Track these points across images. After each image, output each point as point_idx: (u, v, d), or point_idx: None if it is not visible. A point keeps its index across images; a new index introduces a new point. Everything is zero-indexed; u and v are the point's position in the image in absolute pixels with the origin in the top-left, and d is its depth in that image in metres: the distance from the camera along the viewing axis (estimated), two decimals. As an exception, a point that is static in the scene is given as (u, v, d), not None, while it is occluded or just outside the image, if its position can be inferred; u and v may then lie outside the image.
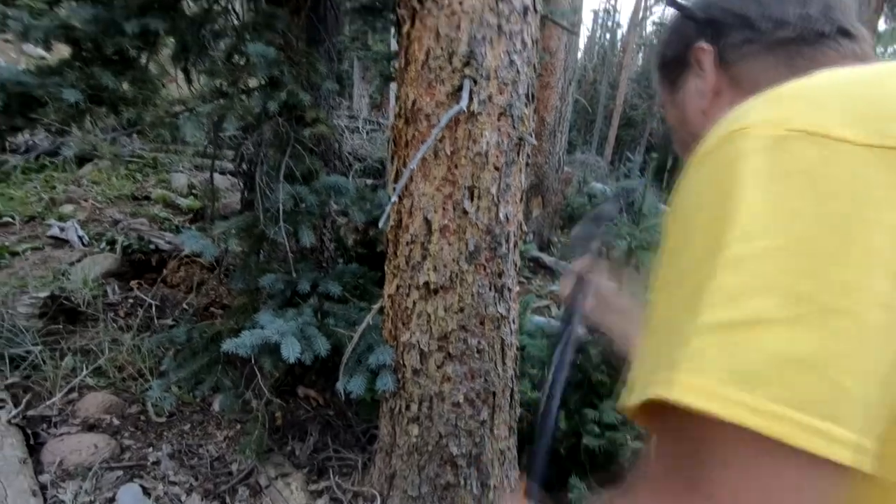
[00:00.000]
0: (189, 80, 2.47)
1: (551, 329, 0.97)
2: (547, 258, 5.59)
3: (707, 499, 0.31)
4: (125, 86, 2.05)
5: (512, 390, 1.70)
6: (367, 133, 8.16)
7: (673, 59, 0.66)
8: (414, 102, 1.43)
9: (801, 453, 0.28)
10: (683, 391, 0.30)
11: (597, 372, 2.07)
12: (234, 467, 2.08)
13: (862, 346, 0.29)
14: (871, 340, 0.29)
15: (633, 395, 0.35)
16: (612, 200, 1.15)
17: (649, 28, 21.16)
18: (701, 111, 0.61)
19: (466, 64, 1.35)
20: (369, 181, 6.17)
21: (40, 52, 1.98)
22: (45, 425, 2.09)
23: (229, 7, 2.42)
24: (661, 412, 0.33)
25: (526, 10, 1.39)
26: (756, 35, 0.56)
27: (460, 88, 1.35)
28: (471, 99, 1.35)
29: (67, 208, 3.99)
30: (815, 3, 0.55)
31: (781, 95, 0.37)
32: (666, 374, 0.32)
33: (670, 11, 0.68)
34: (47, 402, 2.18)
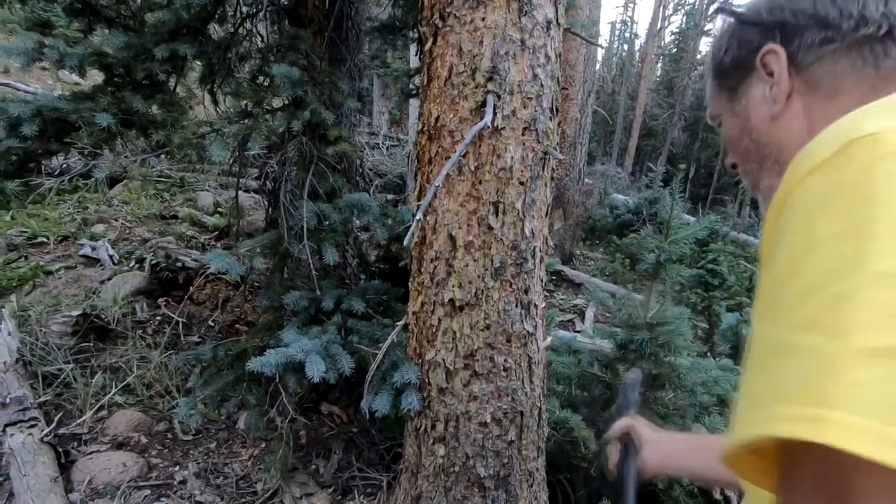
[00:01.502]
0: (215, 102, 2.53)
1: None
2: (570, 271, 5.52)
3: None
4: (154, 109, 2.10)
5: (540, 409, 1.66)
6: (387, 149, 8.24)
7: (733, 66, 0.62)
8: (437, 119, 1.42)
9: None
10: (838, 431, 0.25)
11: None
12: (259, 486, 2.07)
13: None
14: None
15: (746, 430, 0.30)
16: (635, 377, 1.17)
17: (668, 38, 21.04)
18: (770, 118, 0.57)
19: (490, 79, 1.34)
20: (390, 196, 6.22)
21: (75, 78, 2.05)
22: (75, 443, 2.12)
23: (254, 30, 2.48)
24: (769, 454, 0.29)
25: (549, 23, 1.38)
26: (835, 34, 0.53)
27: (484, 104, 1.34)
28: (494, 114, 1.34)
29: (99, 228, 4.10)
30: None
31: None
32: (810, 411, 0.27)
33: (724, 19, 0.64)
34: (78, 420, 2.22)
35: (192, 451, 2.21)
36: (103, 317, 2.81)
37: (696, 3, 19.63)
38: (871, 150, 0.31)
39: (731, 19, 0.62)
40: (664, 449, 0.94)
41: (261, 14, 2.46)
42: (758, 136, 0.59)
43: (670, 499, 1.84)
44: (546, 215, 1.54)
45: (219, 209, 5.05)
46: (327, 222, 2.02)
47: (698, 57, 18.76)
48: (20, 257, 3.49)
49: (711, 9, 18.44)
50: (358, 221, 2.38)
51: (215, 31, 2.49)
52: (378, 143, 8.28)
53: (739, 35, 0.61)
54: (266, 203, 3.01)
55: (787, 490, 0.31)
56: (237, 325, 3.04)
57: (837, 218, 0.31)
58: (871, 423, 0.25)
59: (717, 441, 0.94)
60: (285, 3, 2.46)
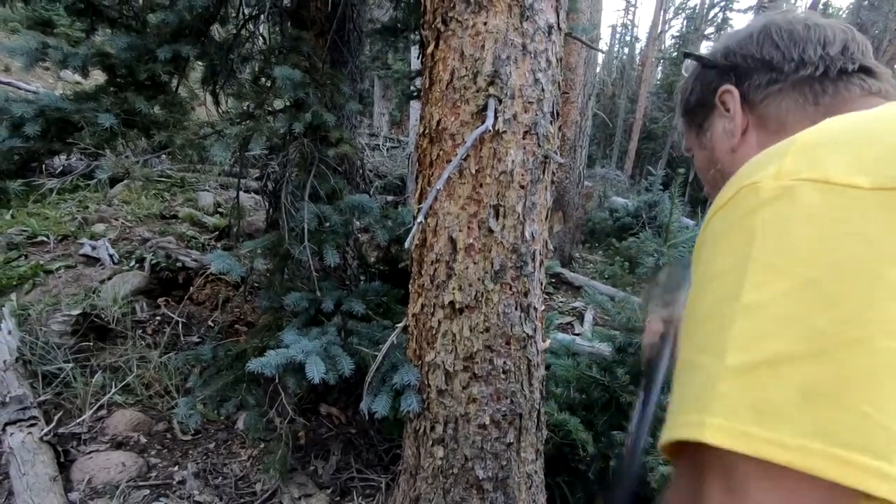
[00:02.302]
0: (217, 103, 2.54)
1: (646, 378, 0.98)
2: (569, 274, 5.53)
3: None
4: (157, 109, 2.11)
5: (539, 412, 1.66)
6: (388, 150, 8.26)
7: (697, 104, 0.70)
8: (439, 122, 1.43)
9: (830, 485, 0.29)
10: (713, 432, 0.33)
11: (625, 393, 2.01)
12: (258, 487, 2.07)
13: (880, 375, 0.30)
14: (889, 367, 0.30)
15: (666, 434, 0.38)
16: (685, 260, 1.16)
17: (668, 41, 21.08)
18: (730, 150, 0.64)
19: (491, 83, 1.35)
20: (390, 198, 6.23)
21: (76, 77, 2.06)
22: (75, 442, 2.13)
23: (256, 32, 2.48)
24: (688, 450, 0.35)
25: (550, 28, 1.39)
26: (779, 75, 0.60)
27: (485, 108, 1.35)
28: (496, 118, 1.35)
29: (99, 227, 4.11)
30: (835, 44, 0.58)
31: (791, 148, 0.39)
32: (697, 417, 0.34)
33: (688, 63, 0.73)
34: (77, 420, 2.22)
35: (191, 452, 2.22)
36: (103, 316, 2.81)
37: (697, 7, 19.69)
38: (754, 197, 0.37)
39: (695, 63, 0.71)
40: None
41: (263, 16, 2.47)
42: (722, 166, 0.66)
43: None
44: (546, 219, 1.55)
45: (219, 209, 5.06)
46: (328, 224, 2.02)
47: (698, 61, 18.72)
48: (20, 256, 3.49)
49: (712, 13, 18.49)
50: (358, 223, 2.39)
51: (217, 32, 2.50)
52: (378, 145, 8.30)
53: (702, 77, 0.69)
54: (267, 204, 3.02)
55: (681, 482, 0.40)
56: (237, 326, 3.04)
57: (727, 256, 0.38)
58: (733, 424, 0.32)
59: None
60: (287, 5, 2.47)
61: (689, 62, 0.74)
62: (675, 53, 19.83)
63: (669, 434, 0.37)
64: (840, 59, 0.58)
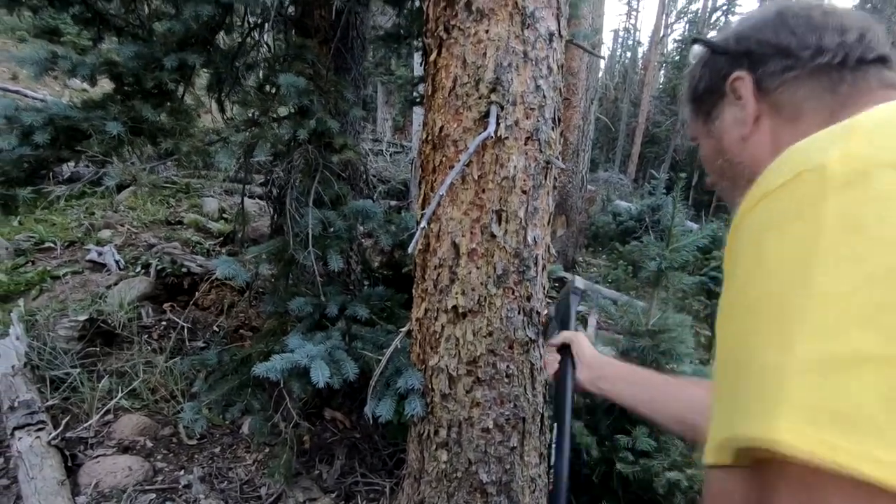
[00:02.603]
0: (222, 110, 2.57)
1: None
2: (572, 278, 5.52)
3: None
4: (163, 117, 2.14)
5: (542, 416, 1.67)
6: (391, 155, 8.30)
7: (706, 91, 0.67)
8: (441, 129, 1.45)
9: None
10: (790, 438, 0.28)
11: (628, 396, 2.01)
12: (263, 491, 2.08)
13: None
14: None
15: (720, 448, 0.34)
16: (579, 286, 1.23)
17: (670, 45, 21.11)
18: (740, 138, 0.61)
19: (493, 90, 1.36)
20: (393, 203, 6.25)
21: (83, 85, 2.09)
22: (82, 447, 2.15)
23: (261, 40, 2.52)
24: (748, 457, 0.31)
25: (551, 35, 1.41)
26: (796, 62, 0.57)
27: (487, 114, 1.37)
28: (498, 124, 1.36)
29: (105, 233, 4.15)
30: (852, 32, 0.56)
31: (855, 130, 0.36)
32: (765, 420, 0.30)
33: (697, 48, 0.70)
34: (85, 424, 2.24)
35: (196, 456, 2.23)
36: (109, 321, 2.84)
37: (699, 12, 19.71)
38: (819, 183, 0.34)
39: (704, 49, 0.68)
40: (602, 372, 0.98)
41: (268, 24, 2.50)
42: (731, 156, 0.63)
43: (671, 505, 1.84)
44: (548, 223, 1.56)
45: (224, 215, 5.09)
46: (332, 229, 2.04)
47: (701, 64, 18.74)
48: (28, 262, 3.53)
49: (714, 17, 18.52)
50: (362, 228, 2.41)
51: (223, 40, 2.53)
52: (382, 150, 8.34)
53: (711, 63, 0.66)
54: (271, 210, 3.04)
55: (766, 495, 0.33)
56: (242, 331, 3.06)
57: (789, 244, 0.33)
58: (810, 429, 0.28)
59: (658, 379, 0.95)
60: (292, 13, 2.50)
61: (697, 48, 0.71)
62: (678, 57, 19.85)
63: (727, 431, 0.33)
64: (858, 47, 0.55)
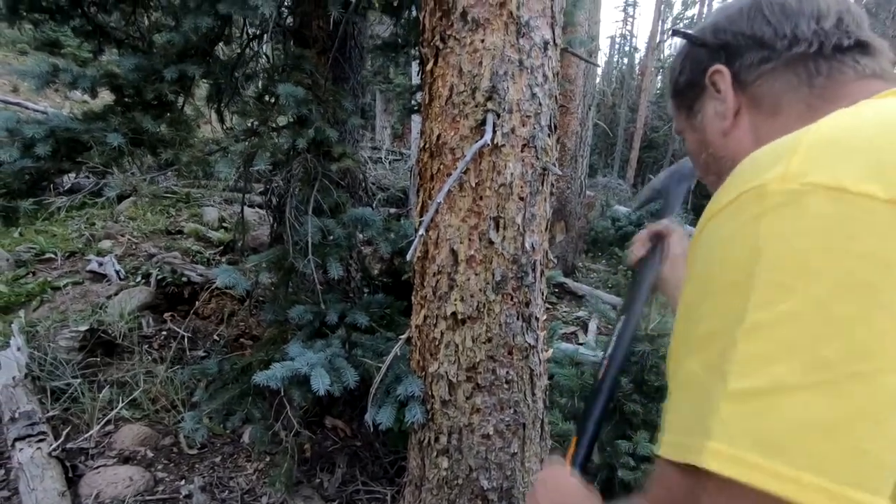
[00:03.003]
0: (222, 121, 2.59)
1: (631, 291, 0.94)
2: (572, 283, 5.53)
3: None
4: (163, 128, 2.16)
5: (542, 421, 1.67)
6: (390, 163, 8.33)
7: (687, 85, 0.66)
8: (439, 137, 1.46)
9: None
10: (713, 459, 0.32)
11: (629, 402, 2.02)
12: (264, 500, 2.08)
13: (882, 411, 0.29)
14: (892, 404, 0.29)
15: (665, 449, 0.38)
16: (689, 170, 1.07)
17: (667, 51, 21.24)
18: (721, 132, 0.60)
19: (489, 99, 1.38)
20: (392, 210, 6.27)
21: (84, 96, 2.11)
22: (83, 457, 2.14)
23: (260, 51, 2.54)
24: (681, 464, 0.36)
25: (546, 44, 1.43)
26: (771, 53, 0.56)
27: (484, 122, 1.38)
28: (494, 132, 1.38)
29: (106, 244, 4.16)
30: (829, 17, 0.54)
31: (800, 145, 0.36)
32: (699, 441, 0.34)
33: (678, 41, 0.68)
34: (85, 435, 2.24)
35: (197, 465, 2.23)
36: (110, 332, 2.84)
37: (694, 18, 19.86)
38: (757, 203, 0.35)
39: (683, 41, 0.66)
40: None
41: (267, 35, 2.52)
42: (714, 149, 0.62)
43: None
44: (546, 229, 1.57)
45: (224, 224, 5.11)
46: (331, 237, 2.05)
47: (698, 69, 18.86)
48: (28, 273, 3.54)
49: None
50: (361, 236, 2.42)
51: (222, 51, 2.56)
52: (381, 158, 8.37)
53: (691, 56, 0.65)
54: (271, 219, 3.06)
55: (696, 493, 0.37)
56: (242, 340, 3.07)
57: (730, 270, 0.36)
58: (732, 450, 0.32)
59: None
60: (290, 24, 2.53)
61: (678, 40, 0.69)
62: (668, 70, 19.93)
63: (670, 452, 0.38)
64: (835, 33, 0.53)
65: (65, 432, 2.22)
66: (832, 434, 0.29)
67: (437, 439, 1.61)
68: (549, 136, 1.49)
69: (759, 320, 0.32)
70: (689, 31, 0.64)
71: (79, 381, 2.47)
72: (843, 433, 0.29)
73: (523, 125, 1.42)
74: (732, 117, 0.59)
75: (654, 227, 0.95)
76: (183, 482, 2.12)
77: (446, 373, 1.55)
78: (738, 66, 0.58)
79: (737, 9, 0.60)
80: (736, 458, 0.31)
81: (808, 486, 0.29)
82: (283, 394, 2.00)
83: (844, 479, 0.29)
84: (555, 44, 1.46)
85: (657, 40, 17.62)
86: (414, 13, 2.69)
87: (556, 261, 6.05)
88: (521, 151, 1.43)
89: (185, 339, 2.97)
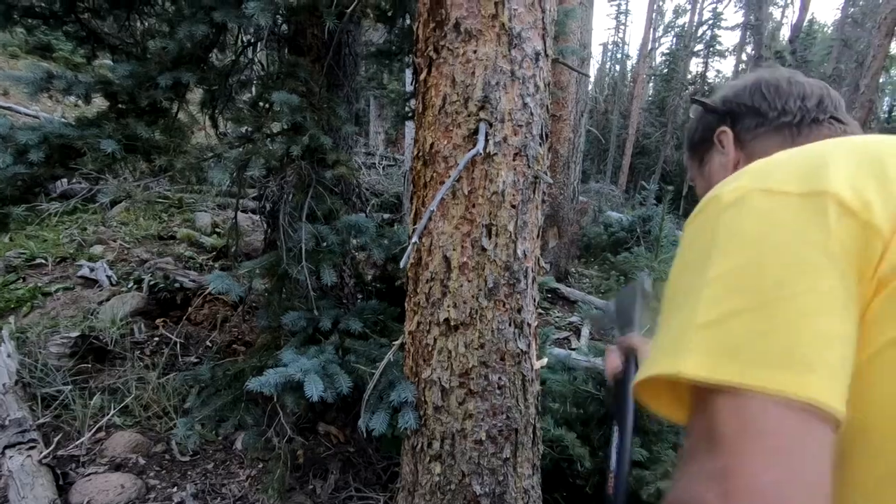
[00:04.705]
0: (216, 127, 2.59)
1: (610, 405, 1.04)
2: (565, 289, 5.56)
3: (719, 453, 0.40)
4: (157, 134, 2.16)
5: (534, 427, 1.68)
6: (384, 169, 8.34)
7: (700, 141, 0.86)
8: (432, 145, 1.48)
9: (762, 392, 0.39)
10: (686, 366, 0.43)
11: (620, 406, 2.03)
12: (256, 507, 2.07)
13: (800, 318, 0.41)
14: (806, 313, 0.41)
15: (645, 372, 0.48)
16: (648, 278, 1.24)
17: (658, 59, 21.45)
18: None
19: (482, 108, 1.40)
20: (386, 216, 6.28)
21: (77, 101, 2.11)
22: (73, 465, 2.13)
23: (254, 58, 2.55)
24: (691, 403, 0.46)
25: (538, 55, 1.45)
26: (765, 120, 0.75)
27: (476, 132, 1.40)
28: (486, 141, 1.40)
29: (97, 249, 4.13)
30: (812, 98, 0.73)
31: (747, 170, 0.52)
32: (673, 360, 0.45)
33: (695, 107, 0.89)
34: (76, 442, 2.22)
35: (189, 472, 2.22)
36: (101, 338, 2.82)
37: (686, 26, 20.09)
38: (716, 205, 0.50)
39: (699, 107, 0.87)
40: None
41: (261, 43, 2.54)
42: None
43: None
44: (537, 237, 1.59)
45: (217, 230, 5.09)
46: (325, 243, 2.06)
47: (688, 77, 19.12)
48: (18, 279, 3.51)
49: (700, 31, 18.87)
50: (355, 242, 2.43)
51: (217, 58, 2.57)
52: (374, 163, 8.38)
53: (704, 119, 0.85)
54: (265, 225, 3.06)
55: (690, 419, 0.47)
56: (235, 346, 3.06)
57: (699, 247, 0.50)
58: (703, 359, 0.42)
59: None
60: (285, 32, 2.54)
61: (695, 106, 0.89)
62: (666, 70, 20.16)
63: (649, 371, 0.47)
64: (815, 110, 0.73)
65: (56, 439, 2.20)
66: (772, 337, 0.41)
67: (429, 445, 1.62)
68: (540, 144, 1.51)
69: (714, 274, 0.45)
70: (705, 100, 0.85)
71: (70, 387, 2.45)
72: (780, 335, 0.40)
73: (515, 134, 1.44)
74: (732, 168, 0.77)
75: (624, 342, 1.10)
76: (175, 489, 2.11)
77: (439, 378, 1.56)
78: (739, 128, 0.78)
79: (742, 86, 0.80)
80: (703, 364, 0.42)
81: (760, 373, 0.40)
82: (276, 400, 2.00)
83: (781, 365, 0.40)
84: (546, 55, 1.49)
85: (649, 48, 17.81)
86: (408, 21, 2.72)
87: (548, 267, 6.08)
88: (513, 160, 1.45)
89: (178, 346, 2.96)
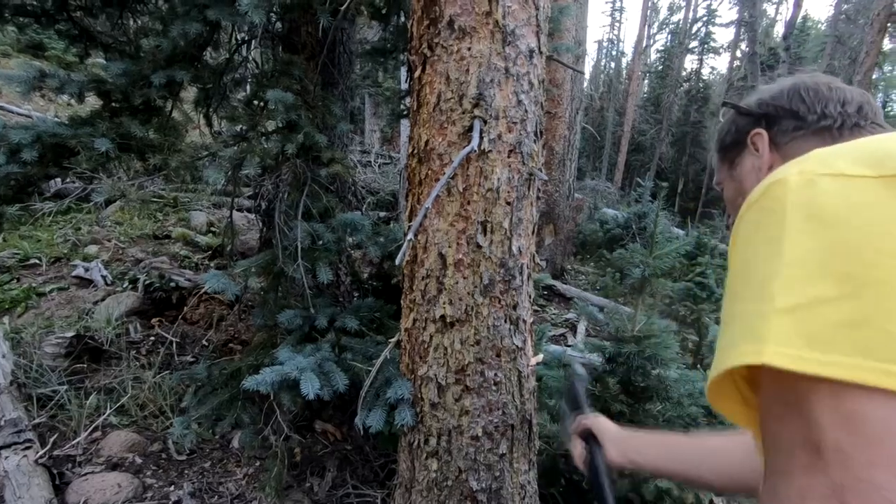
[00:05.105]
0: (210, 126, 2.59)
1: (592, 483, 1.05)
2: (561, 286, 5.58)
3: (822, 456, 0.37)
4: (151, 133, 2.16)
5: (530, 423, 1.69)
6: (379, 167, 8.33)
7: (732, 144, 0.84)
8: (427, 143, 1.48)
9: (872, 390, 0.35)
10: (773, 356, 0.38)
11: (616, 402, 2.05)
12: (253, 505, 2.08)
13: (892, 302, 0.36)
14: None
15: (720, 365, 0.43)
16: (581, 372, 1.30)
17: (653, 55, 21.49)
18: (757, 182, 0.77)
19: (476, 105, 1.41)
20: (382, 214, 6.28)
21: (69, 99, 2.10)
22: (70, 465, 2.12)
23: (249, 56, 2.55)
24: (762, 402, 0.43)
25: (532, 52, 1.46)
26: (803, 123, 0.74)
27: (471, 129, 1.41)
28: (481, 138, 1.41)
29: (92, 249, 4.12)
30: (852, 104, 0.72)
31: (809, 156, 0.48)
32: (754, 346, 0.40)
33: (725, 109, 0.88)
34: (72, 442, 2.22)
35: (186, 471, 2.22)
36: (97, 338, 2.82)
37: (680, 23, 20.13)
38: (782, 188, 0.46)
39: (732, 110, 0.86)
40: (629, 444, 1.01)
41: (255, 41, 2.53)
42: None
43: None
44: (533, 233, 1.60)
45: (212, 228, 5.08)
46: (321, 242, 2.06)
47: (683, 74, 19.17)
48: (13, 279, 3.49)
49: (695, 27, 18.90)
50: (351, 240, 2.44)
51: (211, 56, 2.56)
52: (370, 161, 8.37)
53: (737, 122, 0.84)
54: (260, 223, 3.06)
55: (762, 408, 0.44)
56: (231, 345, 3.06)
57: (767, 231, 0.45)
58: (790, 350, 0.38)
59: (683, 439, 1.00)
60: (279, 30, 2.54)
61: (725, 109, 0.89)
62: (661, 67, 20.19)
63: (725, 363, 0.42)
64: (855, 116, 0.71)
65: (51, 439, 2.20)
66: (862, 326, 0.36)
67: (426, 441, 1.63)
68: (535, 141, 1.52)
69: (794, 255, 0.41)
70: (738, 104, 0.84)
71: (65, 387, 2.45)
72: (870, 323, 0.36)
73: (510, 131, 1.45)
74: (766, 171, 0.75)
75: (578, 428, 1.11)
76: (172, 488, 2.11)
77: (435, 375, 1.57)
78: (775, 130, 0.77)
79: (779, 89, 0.79)
80: (792, 354, 0.38)
81: (851, 366, 0.35)
82: (272, 398, 2.00)
83: (880, 356, 0.35)
84: (540, 52, 1.49)
85: (644, 45, 17.83)
86: (402, 19, 2.71)
87: (544, 264, 6.10)
88: (508, 157, 1.46)
89: (174, 345, 2.96)
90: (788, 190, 0.45)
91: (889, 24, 8.76)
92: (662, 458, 0.97)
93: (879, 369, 0.35)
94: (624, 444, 1.01)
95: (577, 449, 1.10)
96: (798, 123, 0.74)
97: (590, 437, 1.05)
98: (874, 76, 10.64)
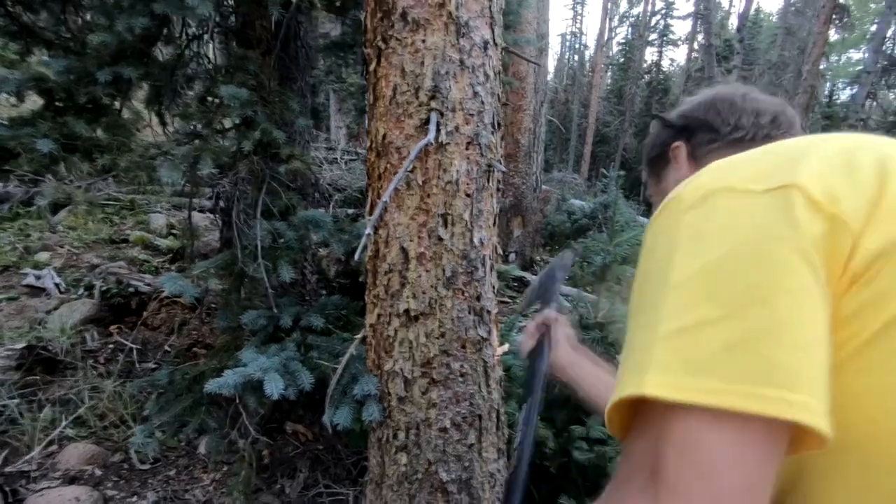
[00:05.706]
0: (163, 124, 2.50)
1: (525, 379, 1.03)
2: (530, 277, 5.64)
3: (663, 481, 0.37)
4: (99, 133, 2.07)
5: (498, 412, 1.71)
6: (346, 163, 8.23)
7: (656, 157, 0.86)
8: (384, 136, 1.47)
9: (731, 416, 0.35)
10: (650, 387, 0.38)
11: (582, 388, 2.09)
12: (222, 511, 2.04)
13: (779, 325, 0.36)
14: (785, 319, 0.37)
15: (611, 398, 0.43)
16: (570, 253, 1.28)
17: (615, 48, 21.90)
18: None
19: (432, 98, 1.40)
20: (350, 211, 6.21)
21: (9, 99, 1.99)
22: (24, 481, 2.03)
23: (201, 52, 2.47)
24: (635, 421, 0.42)
25: (486, 44, 1.46)
26: (717, 136, 0.76)
27: (428, 121, 1.40)
28: (438, 131, 1.40)
29: (43, 256, 3.93)
30: (766, 115, 0.74)
31: (704, 171, 0.49)
32: (637, 378, 0.39)
33: (654, 122, 0.90)
34: (25, 457, 2.13)
35: (150, 480, 2.15)
36: (50, 348, 2.70)
37: (640, 15, 20.55)
38: (677, 205, 0.46)
39: (659, 123, 0.87)
40: (574, 359, 1.03)
41: (207, 36, 2.46)
42: None
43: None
44: (494, 224, 1.61)
45: (172, 231, 4.93)
46: (282, 240, 2.03)
47: (644, 66, 19.60)
48: (-44, 290, 3.31)
49: (654, 20, 19.34)
50: (314, 237, 2.40)
51: (161, 52, 2.47)
52: (336, 158, 8.26)
53: (661, 134, 0.86)
54: (220, 223, 2.98)
55: (629, 438, 0.43)
56: (195, 349, 2.98)
57: (661, 251, 0.46)
58: (667, 378, 0.38)
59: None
60: (233, 24, 2.47)
61: (654, 122, 0.91)
62: (622, 59, 20.58)
63: (614, 397, 0.42)
64: (768, 127, 0.73)
65: (2, 456, 2.10)
66: (743, 350, 0.36)
67: (395, 436, 1.62)
68: (493, 133, 1.52)
69: (678, 279, 0.41)
70: (663, 115, 0.86)
71: (17, 401, 2.34)
72: (753, 347, 0.36)
73: (467, 123, 1.45)
74: None
75: (539, 318, 1.11)
76: (135, 498, 2.05)
77: (401, 370, 1.57)
78: (693, 143, 0.79)
79: (698, 101, 0.81)
80: (672, 384, 0.37)
81: (726, 391, 0.35)
82: (238, 401, 1.96)
83: (758, 381, 0.35)
84: (495, 43, 1.50)
85: (605, 38, 18.14)
86: (361, 13, 2.68)
87: (513, 255, 6.16)
88: (466, 149, 1.46)
89: (134, 352, 2.86)
90: (680, 210, 0.46)
91: (834, 16, 9.17)
92: (595, 388, 0.97)
93: (748, 393, 0.35)
94: (570, 357, 1.02)
95: (528, 341, 1.09)
96: (713, 136, 0.76)
97: (546, 333, 1.04)
98: (822, 66, 11.11)
